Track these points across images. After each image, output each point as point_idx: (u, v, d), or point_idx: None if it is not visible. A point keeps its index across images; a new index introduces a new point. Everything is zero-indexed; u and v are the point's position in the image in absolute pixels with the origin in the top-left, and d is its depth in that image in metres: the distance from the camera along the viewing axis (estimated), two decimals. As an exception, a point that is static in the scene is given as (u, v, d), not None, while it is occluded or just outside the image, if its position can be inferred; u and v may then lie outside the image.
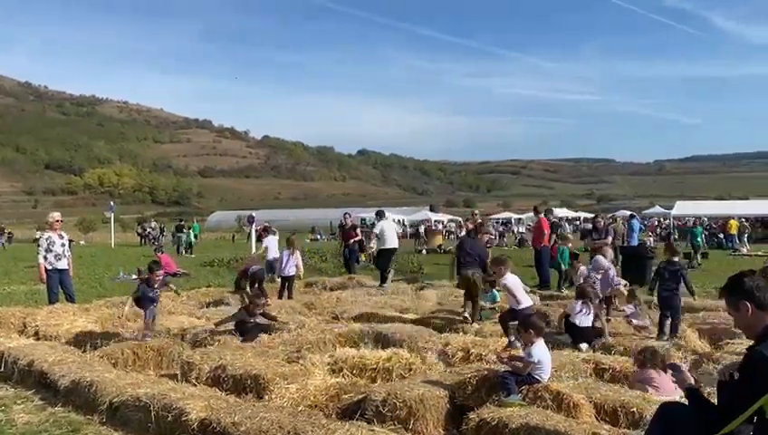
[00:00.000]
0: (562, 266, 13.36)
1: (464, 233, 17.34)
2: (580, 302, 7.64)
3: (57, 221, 10.63)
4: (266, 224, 18.31)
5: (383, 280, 13.54)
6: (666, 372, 5.71)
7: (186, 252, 31.14)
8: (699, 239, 23.18)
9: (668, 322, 7.98)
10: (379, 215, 16.20)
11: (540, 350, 5.10)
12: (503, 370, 5.15)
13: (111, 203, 39.84)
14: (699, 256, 22.39)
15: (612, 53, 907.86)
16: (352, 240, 16.88)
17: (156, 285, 8.36)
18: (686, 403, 3.44)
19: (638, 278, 15.77)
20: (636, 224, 22.14)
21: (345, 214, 18.40)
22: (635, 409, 4.82)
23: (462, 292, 9.78)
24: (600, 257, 9.73)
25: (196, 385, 5.83)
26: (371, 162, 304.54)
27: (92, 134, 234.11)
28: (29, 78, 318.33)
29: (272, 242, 15.51)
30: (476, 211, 17.50)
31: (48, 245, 10.42)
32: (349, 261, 17.14)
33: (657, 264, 8.95)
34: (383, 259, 14.18)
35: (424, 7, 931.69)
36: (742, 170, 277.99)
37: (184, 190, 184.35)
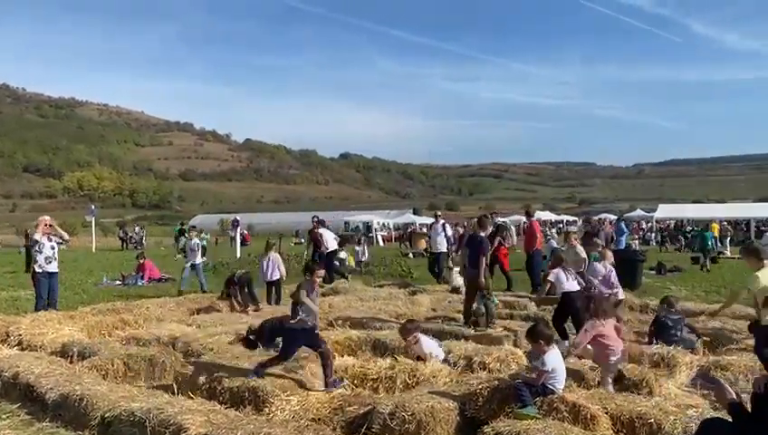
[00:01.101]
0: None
1: (466, 232, 17.22)
2: (561, 270, 8.14)
3: (46, 225, 10.44)
4: (318, 218, 18.14)
5: (330, 280, 14.55)
6: (618, 323, 6.66)
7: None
8: (710, 243, 22.23)
9: None
10: (320, 223, 16.77)
11: (554, 358, 4.94)
12: (516, 380, 4.97)
13: (93, 207, 39.14)
14: (709, 261, 21.68)
15: (593, 58, 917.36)
16: (323, 246, 16.52)
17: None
18: (729, 419, 3.28)
19: (629, 282, 15.77)
20: (623, 227, 22.18)
21: (314, 218, 17.86)
22: (652, 420, 4.67)
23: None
24: (597, 264, 9.60)
25: (192, 398, 5.57)
26: (354, 165, 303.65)
27: (72, 137, 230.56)
28: (6, 80, 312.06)
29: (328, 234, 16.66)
30: (439, 212, 17.31)
31: (38, 247, 10.28)
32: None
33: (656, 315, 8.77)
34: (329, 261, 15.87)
35: (406, 11, 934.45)
36: (719, 174, 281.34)
37: (165, 194, 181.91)
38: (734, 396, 3.40)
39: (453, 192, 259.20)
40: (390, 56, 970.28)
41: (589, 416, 4.60)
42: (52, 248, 10.42)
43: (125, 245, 39.72)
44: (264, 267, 11.82)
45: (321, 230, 16.74)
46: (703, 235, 23.04)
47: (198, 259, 15.18)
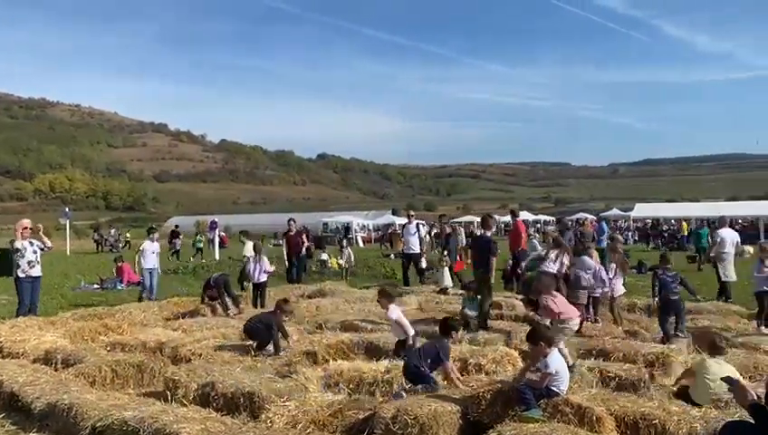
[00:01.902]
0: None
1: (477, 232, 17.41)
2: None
3: (25, 228, 10.22)
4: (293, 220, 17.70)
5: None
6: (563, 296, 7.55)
7: (193, 258, 30.26)
8: (705, 241, 20.75)
9: (670, 324, 8.36)
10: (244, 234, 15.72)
11: (556, 360, 4.88)
12: (519, 382, 4.90)
13: (67, 209, 38.35)
14: (704, 256, 20.45)
15: (568, 60, 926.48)
16: (301, 247, 16.38)
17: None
18: (752, 422, 3.24)
19: (612, 281, 15.89)
20: (605, 226, 22.31)
21: (289, 220, 17.45)
22: (656, 421, 4.64)
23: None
24: (585, 257, 9.64)
25: (186, 405, 5.41)
26: (331, 166, 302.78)
27: (43, 138, 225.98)
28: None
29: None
30: (412, 213, 17.23)
31: (20, 252, 10.07)
32: (297, 270, 16.57)
33: (654, 271, 9.35)
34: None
35: (382, 12, 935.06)
36: (691, 173, 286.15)
37: (139, 195, 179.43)
38: (755, 397, 3.37)
39: (431, 193, 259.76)
40: (367, 56, 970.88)
41: (594, 418, 4.55)
42: (35, 253, 10.18)
43: (100, 247, 39.01)
44: (252, 269, 11.62)
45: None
46: (698, 233, 22.24)
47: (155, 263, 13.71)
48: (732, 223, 41.41)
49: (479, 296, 9.22)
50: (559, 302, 7.20)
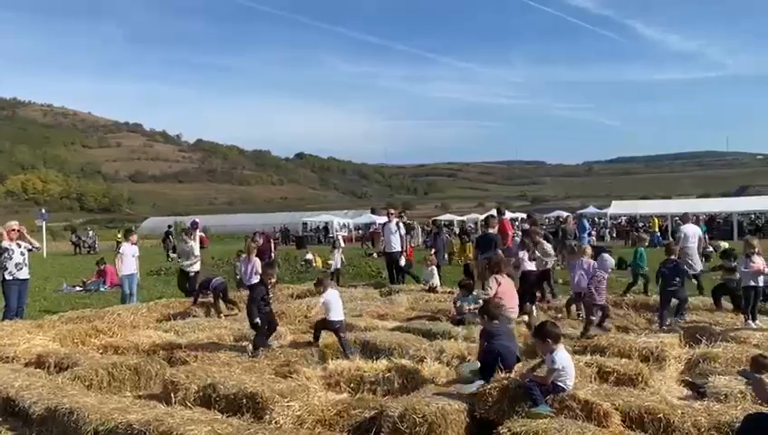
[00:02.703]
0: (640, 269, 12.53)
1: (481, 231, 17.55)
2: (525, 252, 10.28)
3: (12, 230, 10.06)
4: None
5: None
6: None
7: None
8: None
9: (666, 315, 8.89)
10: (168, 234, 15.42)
11: (562, 356, 4.93)
12: (526, 379, 4.94)
13: (43, 211, 37.61)
14: (703, 259, 19.17)
15: (542, 59, 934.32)
16: (270, 252, 16.12)
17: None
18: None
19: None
20: (586, 223, 22.60)
21: (254, 234, 16.55)
22: (661, 415, 4.71)
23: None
24: (606, 255, 9.69)
25: (191, 408, 5.36)
26: (309, 166, 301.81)
27: (14, 139, 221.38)
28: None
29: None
30: (392, 211, 17.21)
31: (8, 254, 9.91)
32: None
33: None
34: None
35: (358, 12, 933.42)
36: (663, 171, 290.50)
37: (114, 196, 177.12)
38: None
39: (409, 192, 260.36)
40: (344, 56, 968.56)
41: (602, 413, 4.60)
42: (22, 254, 10.03)
43: (78, 250, 38.44)
44: (244, 270, 11.51)
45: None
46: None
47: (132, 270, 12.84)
48: (713, 219, 42.43)
49: (475, 292, 9.28)
50: (503, 286, 7.78)
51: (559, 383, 4.85)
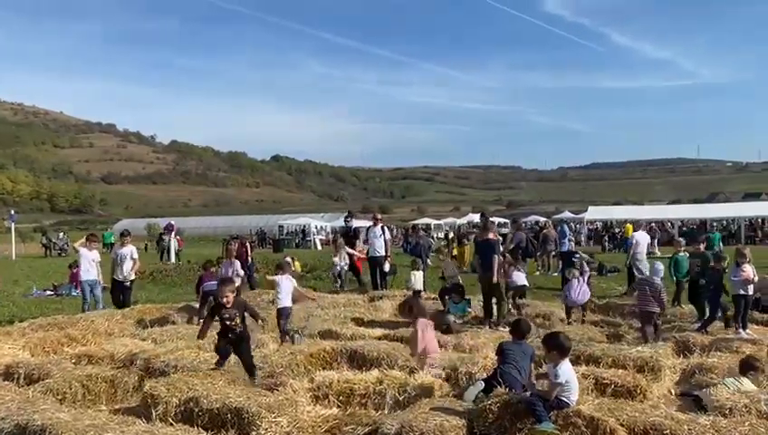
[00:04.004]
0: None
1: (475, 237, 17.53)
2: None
3: None
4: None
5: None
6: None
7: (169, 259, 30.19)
8: (717, 248, 16.81)
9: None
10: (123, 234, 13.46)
11: (566, 370, 4.73)
12: (528, 394, 4.73)
13: (12, 212, 36.69)
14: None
15: (519, 65, 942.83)
16: (247, 256, 15.52)
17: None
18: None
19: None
20: (566, 229, 22.55)
21: (229, 241, 15.64)
22: (668, 431, 4.53)
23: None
24: (659, 263, 9.61)
25: (173, 424, 5.06)
26: (285, 168, 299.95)
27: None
28: None
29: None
30: (379, 215, 17.01)
31: None
32: (250, 276, 15.40)
33: None
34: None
35: (335, 15, 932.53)
36: (637, 177, 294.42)
37: (86, 197, 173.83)
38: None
39: (385, 195, 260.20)
40: (321, 58, 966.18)
41: (608, 430, 4.41)
42: None
43: (48, 252, 37.48)
44: (225, 273, 11.14)
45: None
46: (708, 238, 18.66)
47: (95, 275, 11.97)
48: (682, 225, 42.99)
49: (469, 298, 9.15)
50: (427, 333, 6.98)
51: (563, 398, 4.65)
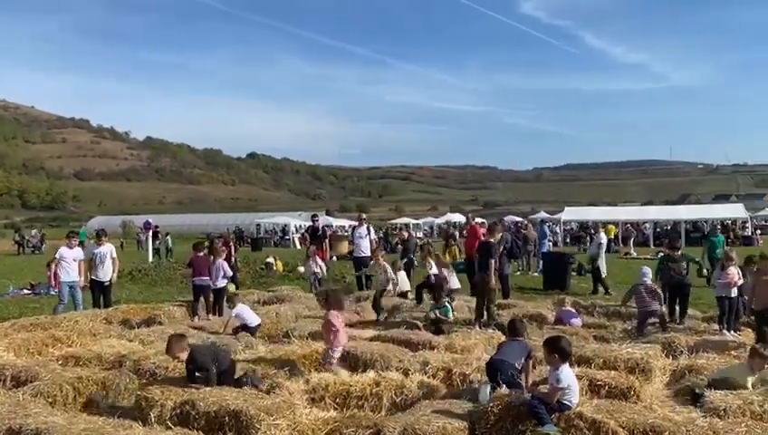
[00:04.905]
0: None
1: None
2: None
3: None
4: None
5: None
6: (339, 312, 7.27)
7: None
8: (719, 251, 15.18)
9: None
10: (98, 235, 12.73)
11: (567, 374, 4.77)
12: (530, 397, 4.77)
13: (-16, 209, 35.98)
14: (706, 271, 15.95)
15: (495, 67, 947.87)
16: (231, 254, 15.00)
17: None
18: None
19: (559, 284, 16.19)
20: (546, 230, 22.81)
21: (213, 239, 15.62)
22: (667, 433, 4.60)
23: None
24: (645, 267, 10.11)
25: (172, 427, 4.99)
26: (262, 166, 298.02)
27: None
28: None
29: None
30: (364, 216, 17.01)
31: None
32: (235, 276, 14.41)
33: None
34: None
35: (315, 13, 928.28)
36: (610, 178, 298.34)
37: (58, 194, 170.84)
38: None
39: (363, 194, 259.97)
40: (298, 56, 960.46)
41: (610, 432, 4.46)
42: None
43: (21, 249, 36.78)
44: (216, 278, 10.98)
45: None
46: (712, 241, 17.19)
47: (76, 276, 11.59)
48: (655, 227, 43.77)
49: (450, 300, 9.20)
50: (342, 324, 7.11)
51: (564, 401, 4.69)
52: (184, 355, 6.03)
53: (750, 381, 6.01)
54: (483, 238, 11.52)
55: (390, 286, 11.08)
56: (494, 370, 5.56)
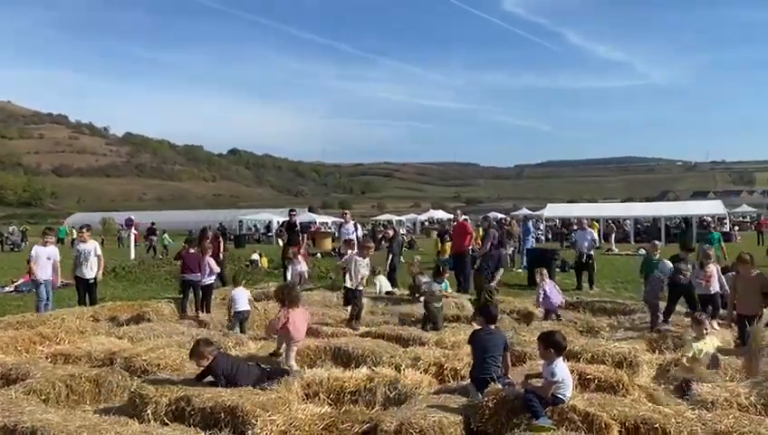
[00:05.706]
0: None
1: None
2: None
3: None
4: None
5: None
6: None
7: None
8: (717, 249, 14.14)
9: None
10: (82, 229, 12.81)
11: (561, 368, 4.86)
12: (525, 391, 4.85)
13: (-39, 205, 35.43)
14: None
15: (477, 64, 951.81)
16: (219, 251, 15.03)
17: None
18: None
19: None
20: (530, 226, 23.00)
21: (204, 231, 15.22)
22: (658, 425, 4.70)
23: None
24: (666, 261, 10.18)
25: (168, 423, 5.01)
26: (243, 162, 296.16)
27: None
28: None
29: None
30: (347, 212, 17.04)
31: None
32: (222, 273, 14.54)
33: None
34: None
35: (297, 9, 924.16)
36: (590, 175, 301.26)
37: (36, 190, 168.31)
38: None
39: (345, 191, 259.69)
40: (281, 53, 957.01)
41: (603, 424, 4.56)
42: None
43: (0, 247, 36.27)
44: (204, 275, 10.91)
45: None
46: (707, 238, 17.07)
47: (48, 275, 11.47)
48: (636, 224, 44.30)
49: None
50: (296, 317, 6.99)
51: (558, 395, 4.78)
52: (206, 362, 5.91)
53: (694, 348, 6.86)
54: (492, 243, 11.81)
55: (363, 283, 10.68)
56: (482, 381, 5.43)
